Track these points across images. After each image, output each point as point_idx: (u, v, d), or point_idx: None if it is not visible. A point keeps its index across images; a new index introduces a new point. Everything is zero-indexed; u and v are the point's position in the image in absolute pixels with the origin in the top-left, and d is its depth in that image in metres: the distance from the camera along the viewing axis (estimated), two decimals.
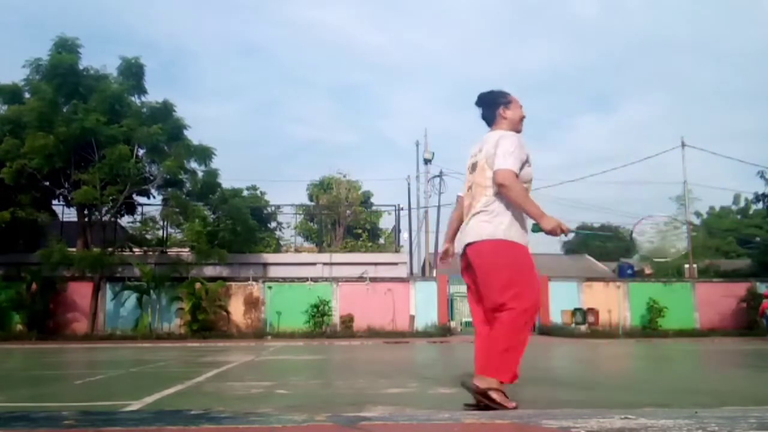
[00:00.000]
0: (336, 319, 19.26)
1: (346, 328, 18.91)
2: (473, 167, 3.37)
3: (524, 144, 3.25)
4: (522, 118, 3.46)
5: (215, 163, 19.91)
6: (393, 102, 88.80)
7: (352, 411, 2.99)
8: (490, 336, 3.11)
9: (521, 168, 3.16)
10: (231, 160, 73.52)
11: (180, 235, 22.63)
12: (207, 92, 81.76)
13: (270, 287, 19.62)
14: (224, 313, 18.85)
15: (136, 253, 20.14)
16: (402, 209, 26.47)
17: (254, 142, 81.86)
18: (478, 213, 3.22)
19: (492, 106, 3.46)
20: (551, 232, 3.08)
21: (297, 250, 25.76)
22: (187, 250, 20.55)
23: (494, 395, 2.93)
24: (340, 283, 19.93)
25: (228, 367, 7.11)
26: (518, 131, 3.39)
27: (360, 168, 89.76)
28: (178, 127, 19.14)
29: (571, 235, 3.25)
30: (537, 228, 3.14)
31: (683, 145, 26.89)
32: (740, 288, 20.86)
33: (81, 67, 18.64)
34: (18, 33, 70.01)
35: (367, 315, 19.05)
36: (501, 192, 3.14)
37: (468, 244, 3.23)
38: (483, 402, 2.95)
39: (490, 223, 3.17)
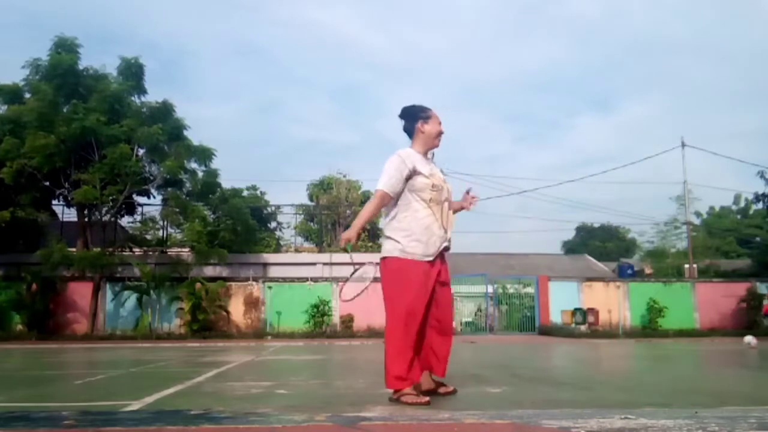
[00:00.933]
0: (336, 319, 19.26)
1: (346, 328, 18.91)
2: None
3: (405, 159, 3.50)
4: (439, 134, 3.68)
5: (215, 163, 19.96)
6: (393, 102, 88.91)
7: (352, 411, 2.99)
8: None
9: (407, 180, 3.46)
10: (231, 160, 73.65)
11: (180, 235, 22.65)
12: (207, 92, 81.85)
13: (270, 287, 19.62)
14: (224, 313, 18.85)
15: (136, 253, 20.15)
16: None
17: (254, 142, 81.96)
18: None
19: (412, 119, 3.67)
20: (345, 238, 3.51)
21: (297, 250, 25.77)
22: (187, 250, 20.56)
23: (403, 399, 3.32)
24: (340, 283, 19.91)
25: (228, 367, 7.10)
26: (435, 146, 3.69)
27: (360, 168, 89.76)
28: (178, 127, 19.16)
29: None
30: (349, 246, 3.54)
31: (683, 145, 26.91)
32: (740, 288, 20.85)
33: (81, 67, 18.65)
34: (17, 33, 70.01)
35: (367, 315, 19.00)
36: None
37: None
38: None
39: (384, 243, 3.57)
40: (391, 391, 3.44)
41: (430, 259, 3.46)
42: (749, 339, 12.16)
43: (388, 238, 3.51)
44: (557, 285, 21.13)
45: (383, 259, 3.52)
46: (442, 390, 3.62)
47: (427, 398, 3.33)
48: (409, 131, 3.68)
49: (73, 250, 18.44)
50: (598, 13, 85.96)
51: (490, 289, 21.75)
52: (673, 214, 28.90)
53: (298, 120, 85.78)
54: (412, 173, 3.47)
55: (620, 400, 3.79)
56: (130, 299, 19.03)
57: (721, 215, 47.98)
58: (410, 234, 3.44)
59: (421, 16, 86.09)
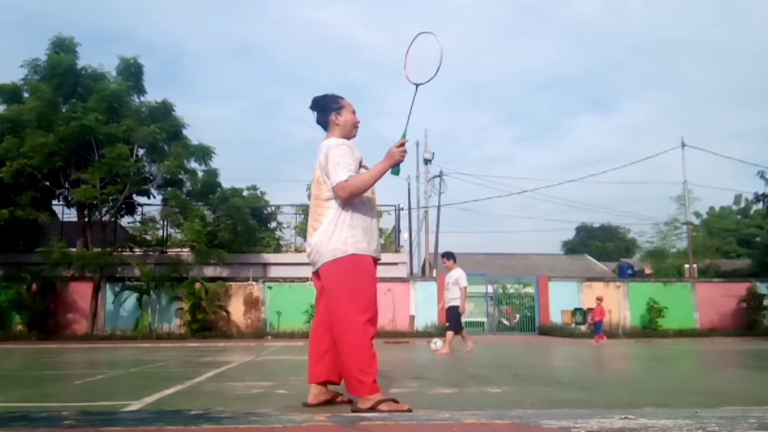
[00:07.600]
0: None
1: None
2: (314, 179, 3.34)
3: (353, 149, 3.25)
4: (355, 124, 3.41)
5: (215, 163, 19.93)
6: (392, 101, 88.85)
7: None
8: (341, 354, 3.08)
9: (357, 172, 3.15)
10: (231, 160, 73.72)
11: (180, 235, 22.61)
12: (207, 92, 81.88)
13: (270, 287, 19.60)
14: (224, 313, 18.83)
15: (136, 253, 20.12)
16: (402, 209, 26.43)
17: (254, 142, 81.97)
18: (322, 228, 3.18)
19: (325, 111, 3.42)
20: (400, 159, 3.10)
21: (297, 250, 25.70)
22: (187, 250, 20.53)
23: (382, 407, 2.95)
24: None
25: (228, 367, 7.10)
26: (352, 137, 3.41)
27: None
28: (176, 125, 19.13)
29: (407, 145, 3.18)
30: (396, 170, 3.16)
31: (683, 145, 26.94)
32: (740, 288, 20.84)
33: (79, 67, 18.63)
34: (16, 33, 70.02)
35: None
36: (350, 200, 3.14)
37: (322, 264, 3.18)
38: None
39: (338, 240, 3.13)
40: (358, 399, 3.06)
41: (378, 257, 3.26)
42: (436, 342, 10.57)
43: (335, 236, 3.15)
44: (557, 285, 21.12)
45: (337, 259, 3.13)
46: (339, 399, 3.37)
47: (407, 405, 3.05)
48: (324, 123, 3.43)
49: (73, 250, 18.43)
50: (598, 13, 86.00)
51: (490, 289, 21.74)
52: (673, 214, 29.00)
53: (298, 120, 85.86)
54: (360, 166, 3.23)
55: (620, 400, 3.79)
56: (130, 299, 19.02)
57: (721, 215, 48.00)
58: (358, 233, 3.17)
59: (421, 15, 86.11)
